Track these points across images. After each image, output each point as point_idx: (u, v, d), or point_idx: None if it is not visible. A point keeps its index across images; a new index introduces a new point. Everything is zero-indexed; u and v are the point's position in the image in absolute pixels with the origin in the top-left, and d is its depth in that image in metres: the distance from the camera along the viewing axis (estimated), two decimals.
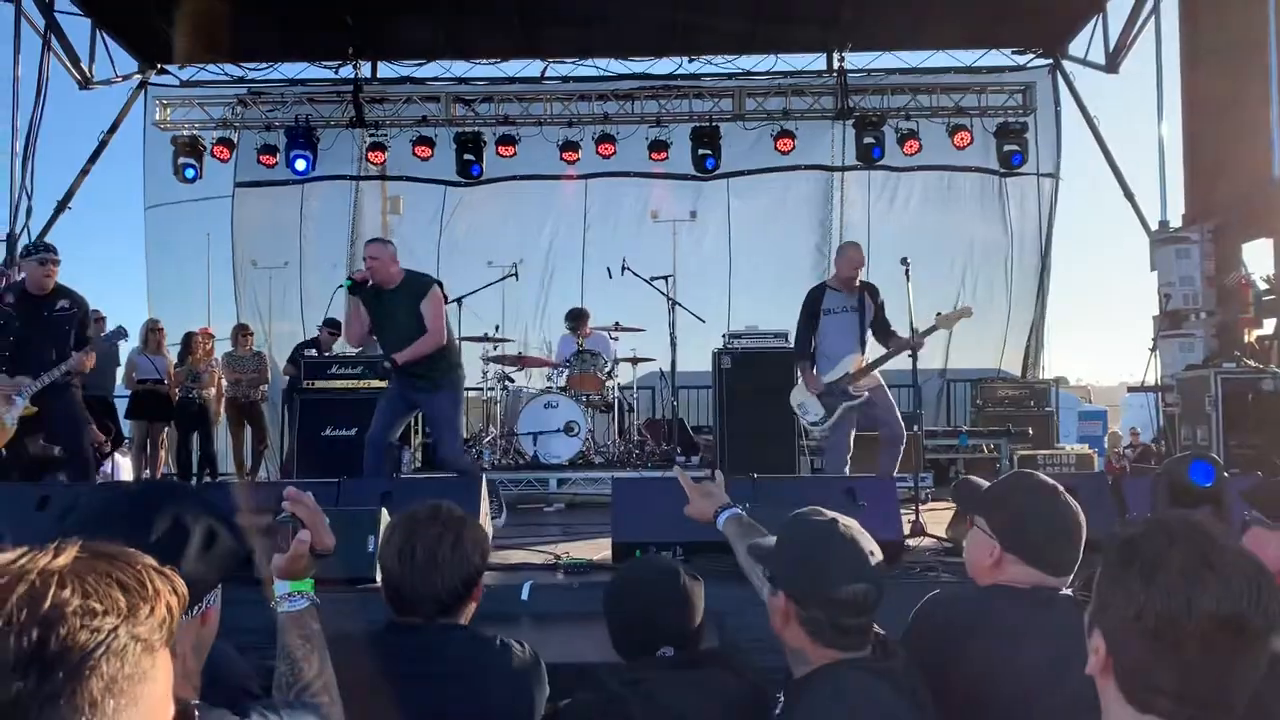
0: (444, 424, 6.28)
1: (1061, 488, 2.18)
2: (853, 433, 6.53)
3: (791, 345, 8.59)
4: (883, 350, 6.52)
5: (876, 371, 6.48)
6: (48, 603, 0.86)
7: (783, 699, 1.98)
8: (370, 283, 6.04)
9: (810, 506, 2.08)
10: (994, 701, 1.98)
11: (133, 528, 1.36)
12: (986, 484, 2.32)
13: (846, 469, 6.43)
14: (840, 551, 1.94)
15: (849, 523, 2.01)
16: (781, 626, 1.96)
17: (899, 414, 6.48)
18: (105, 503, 1.45)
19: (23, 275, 6.11)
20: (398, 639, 2.05)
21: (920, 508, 5.99)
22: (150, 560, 0.98)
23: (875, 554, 1.97)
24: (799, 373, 6.78)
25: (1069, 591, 2.14)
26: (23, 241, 9.64)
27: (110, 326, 6.77)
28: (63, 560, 0.90)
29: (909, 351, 6.25)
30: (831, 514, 2.02)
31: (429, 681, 1.92)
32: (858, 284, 6.56)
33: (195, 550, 1.40)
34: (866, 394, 6.39)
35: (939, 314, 6.41)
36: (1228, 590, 1.21)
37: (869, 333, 6.56)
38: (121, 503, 1.43)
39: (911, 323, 6.25)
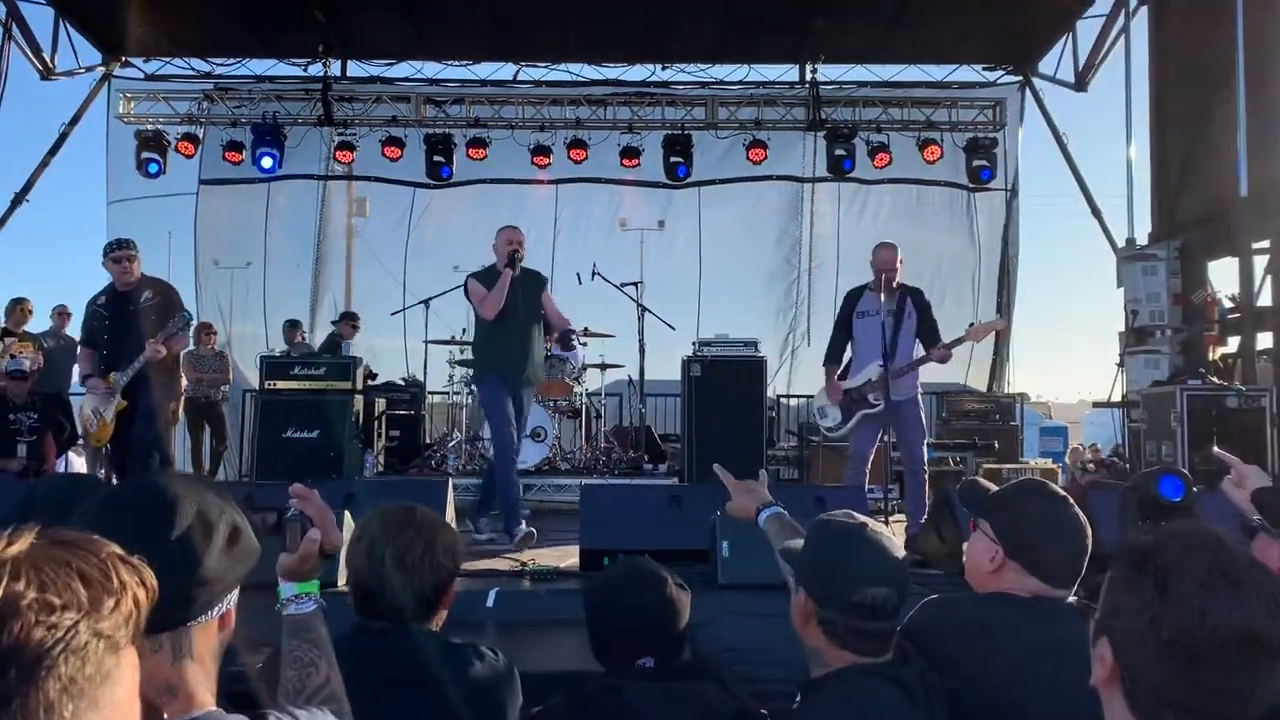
0: (522, 419, 6.41)
1: (1070, 499, 2.13)
2: (875, 442, 6.24)
3: (760, 354, 8.62)
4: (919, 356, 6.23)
5: (911, 383, 6.19)
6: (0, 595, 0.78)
7: (800, 698, 1.95)
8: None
9: (844, 510, 2.06)
10: (990, 711, 1.94)
11: (154, 520, 1.26)
12: (994, 487, 2.27)
13: (865, 480, 6.20)
14: (862, 554, 1.92)
15: (879, 528, 1.98)
16: (801, 625, 1.96)
17: (923, 435, 6.25)
18: (125, 493, 1.33)
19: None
20: (365, 643, 1.96)
21: (889, 519, 5.97)
22: (115, 548, 0.89)
23: (903, 560, 1.95)
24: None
25: (1073, 600, 2.10)
26: None
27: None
28: (17, 548, 0.82)
29: (937, 363, 6.14)
30: (863, 518, 1.99)
31: (397, 688, 1.83)
32: (896, 287, 6.26)
33: (219, 547, 1.30)
34: (882, 403, 6.10)
35: (971, 325, 6.27)
36: (1244, 603, 1.16)
37: (906, 338, 6.19)
38: (142, 494, 1.31)
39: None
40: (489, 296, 6.15)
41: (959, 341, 6.27)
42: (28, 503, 2.12)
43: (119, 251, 6.15)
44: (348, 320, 10.21)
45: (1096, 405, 10.10)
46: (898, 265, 6.29)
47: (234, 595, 1.37)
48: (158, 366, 6.15)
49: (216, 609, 1.32)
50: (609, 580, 2.33)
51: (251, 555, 1.37)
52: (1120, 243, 9.91)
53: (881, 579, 1.88)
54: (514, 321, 6.19)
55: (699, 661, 2.21)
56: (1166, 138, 9.38)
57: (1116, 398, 8.56)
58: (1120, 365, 8.42)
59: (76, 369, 7.88)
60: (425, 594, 2.03)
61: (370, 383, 10.09)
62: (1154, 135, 9.57)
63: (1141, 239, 9.56)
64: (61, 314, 9.75)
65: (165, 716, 1.24)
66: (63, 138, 11.15)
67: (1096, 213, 11.00)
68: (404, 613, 2.01)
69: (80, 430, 6.48)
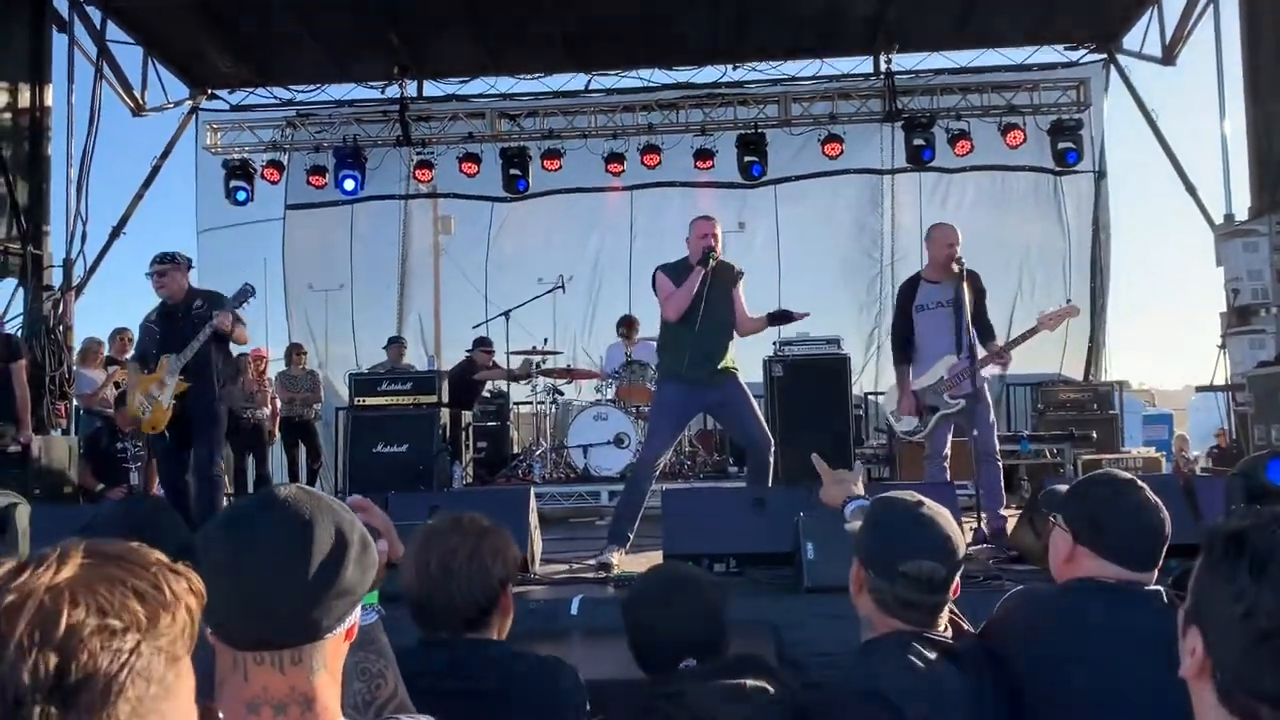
0: (750, 406, 5.82)
1: (1140, 481, 2.15)
2: (949, 437, 5.98)
3: (843, 352, 8.47)
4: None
5: (983, 375, 5.80)
6: (62, 626, 0.78)
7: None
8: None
9: (908, 490, 2.16)
10: (1075, 697, 1.95)
11: (295, 538, 1.27)
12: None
13: (947, 475, 5.89)
14: (915, 529, 2.01)
15: (936, 508, 2.06)
16: (855, 594, 2.09)
17: (994, 424, 5.89)
18: (255, 512, 1.32)
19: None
20: (426, 656, 1.95)
21: (979, 515, 5.78)
22: (161, 557, 0.90)
23: (955, 540, 2.03)
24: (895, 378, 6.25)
25: (1159, 588, 2.07)
26: (78, 267, 9.82)
27: None
28: (69, 572, 0.83)
29: (999, 365, 5.76)
30: (921, 497, 2.09)
31: (459, 700, 1.82)
32: (956, 271, 5.78)
33: (354, 558, 1.30)
34: (962, 402, 5.77)
35: (1041, 314, 5.93)
36: None
37: (969, 329, 5.76)
38: (277, 512, 1.29)
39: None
40: (675, 295, 5.60)
41: (1030, 333, 5.92)
42: (89, 530, 2.14)
43: (155, 266, 6.05)
44: (481, 347, 10.18)
45: (1200, 390, 9.69)
46: (958, 246, 5.87)
47: (359, 606, 1.37)
48: (219, 360, 6.07)
49: (349, 620, 1.33)
50: (640, 588, 2.33)
51: (375, 565, 1.38)
52: (1218, 220, 9.50)
53: (929, 553, 1.97)
54: (701, 320, 5.54)
55: (747, 655, 2.18)
56: (1264, 109, 8.95)
57: (1220, 381, 8.19)
58: (1222, 347, 8.06)
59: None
60: (473, 601, 2.01)
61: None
62: (1250, 107, 9.14)
63: (1241, 215, 9.16)
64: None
65: None
66: (155, 170, 11.57)
67: (1191, 190, 10.56)
68: (457, 622, 2.00)
69: (128, 420, 6.23)
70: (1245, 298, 8.38)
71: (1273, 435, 7.05)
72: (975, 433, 5.75)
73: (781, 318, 5.87)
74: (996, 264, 11.31)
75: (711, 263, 5.61)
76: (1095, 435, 9.33)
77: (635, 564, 5.30)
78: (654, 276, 5.88)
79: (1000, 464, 5.98)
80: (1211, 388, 8.22)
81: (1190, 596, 1.19)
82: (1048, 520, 2.27)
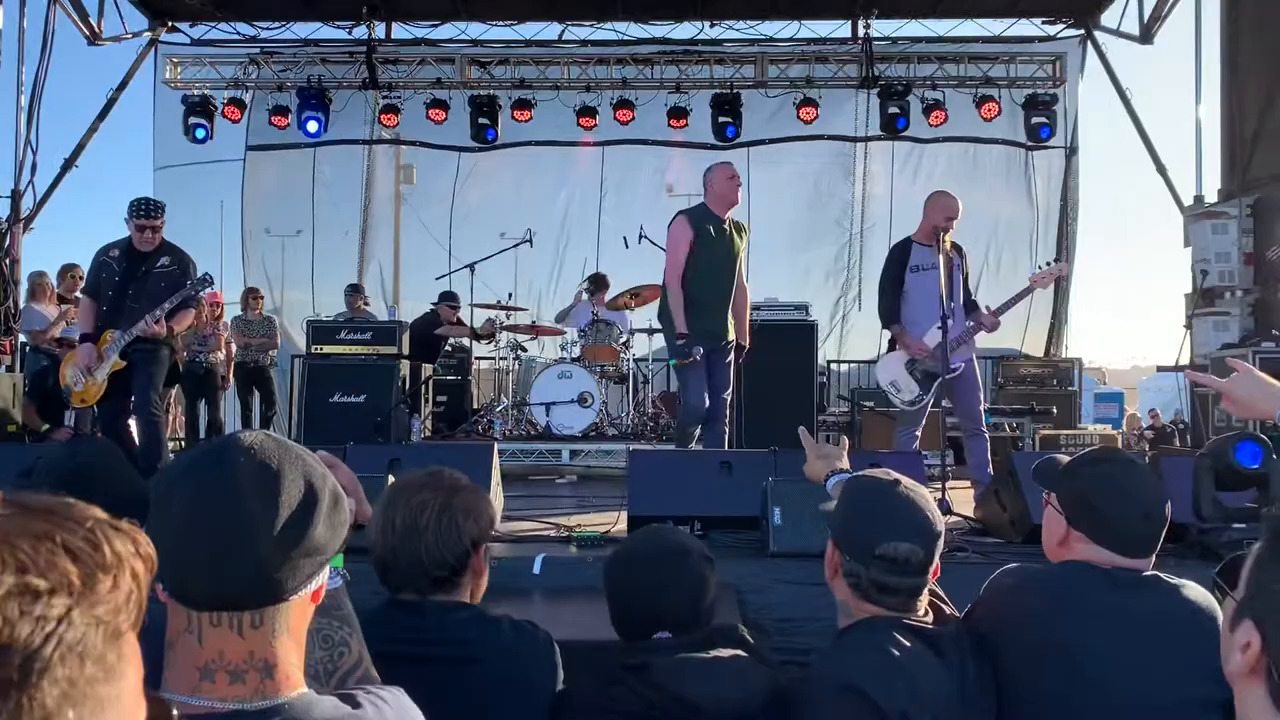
0: (727, 378, 5.93)
1: (1143, 463, 2.09)
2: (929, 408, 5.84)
3: (811, 318, 8.39)
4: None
5: (970, 343, 5.77)
6: None
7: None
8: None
9: (884, 468, 2.06)
10: (1069, 684, 1.88)
11: (262, 488, 1.14)
12: (1065, 459, 2.21)
13: (916, 444, 5.81)
14: (890, 509, 1.92)
15: (913, 486, 1.96)
16: (830, 577, 2.01)
17: (981, 395, 5.83)
18: (217, 459, 1.18)
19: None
20: (393, 617, 1.84)
21: (945, 486, 5.75)
22: (101, 514, 0.72)
23: (933, 520, 1.92)
24: (896, 341, 5.87)
25: (1156, 573, 2.00)
26: (27, 199, 9.48)
27: None
28: None
29: (985, 330, 5.71)
30: (897, 476, 1.98)
31: (427, 664, 1.72)
32: (945, 242, 5.62)
33: (324, 515, 1.19)
34: (963, 365, 5.62)
35: (1032, 275, 5.76)
36: None
37: (959, 296, 5.69)
38: (242, 459, 1.16)
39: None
40: (674, 293, 5.72)
41: (1025, 293, 5.84)
42: (31, 475, 2.00)
43: (143, 220, 5.84)
44: (446, 301, 9.95)
45: (1161, 369, 9.79)
46: (955, 221, 5.76)
47: (328, 568, 1.26)
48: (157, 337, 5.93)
49: (315, 581, 1.22)
50: (629, 554, 2.19)
51: (346, 524, 1.26)
52: (1187, 201, 9.54)
53: (907, 535, 1.88)
54: (723, 279, 5.64)
55: (725, 626, 2.08)
56: (1240, 90, 8.96)
57: (1183, 361, 8.25)
58: (1187, 328, 8.11)
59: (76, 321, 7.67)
60: (440, 560, 1.88)
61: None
62: (1226, 87, 9.16)
63: (1210, 197, 9.19)
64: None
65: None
66: (110, 103, 11.16)
67: (1162, 170, 10.58)
68: (424, 583, 1.89)
69: (63, 389, 6.11)
70: (1212, 279, 8.43)
71: (1233, 417, 7.10)
72: (963, 405, 5.70)
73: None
74: (964, 237, 11.06)
75: (696, 357, 5.72)
76: (1054, 410, 9.40)
77: (597, 523, 5.22)
78: (673, 221, 5.86)
79: (987, 435, 5.94)
80: (1176, 368, 8.28)
81: (1245, 588, 1.09)
82: (1042, 497, 2.17)
